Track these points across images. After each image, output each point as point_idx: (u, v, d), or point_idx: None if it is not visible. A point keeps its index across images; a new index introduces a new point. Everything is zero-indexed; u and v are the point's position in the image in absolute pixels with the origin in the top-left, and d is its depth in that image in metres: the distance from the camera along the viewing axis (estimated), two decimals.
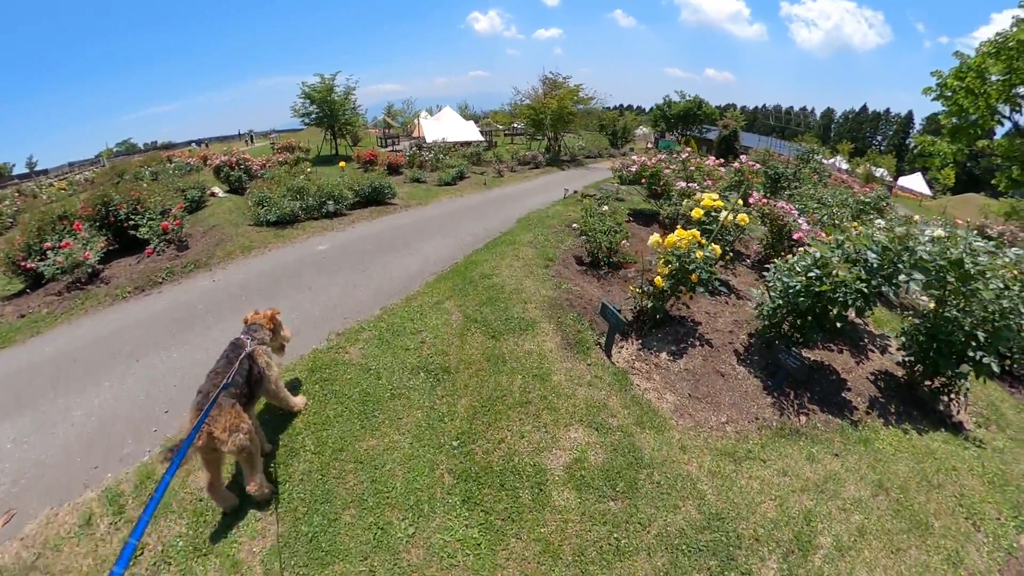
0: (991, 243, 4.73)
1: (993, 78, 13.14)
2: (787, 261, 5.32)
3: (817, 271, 4.73)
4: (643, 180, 11.20)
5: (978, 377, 4.63)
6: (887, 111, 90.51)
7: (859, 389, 5.51)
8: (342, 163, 13.29)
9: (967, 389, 5.14)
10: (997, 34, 12.73)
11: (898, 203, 27.22)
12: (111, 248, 8.98)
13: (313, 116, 26.38)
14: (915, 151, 18.54)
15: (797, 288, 4.80)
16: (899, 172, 59.28)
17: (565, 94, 27.53)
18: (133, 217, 9.22)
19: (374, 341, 5.65)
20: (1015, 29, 12.37)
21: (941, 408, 5.45)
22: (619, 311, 5.18)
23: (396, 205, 12.80)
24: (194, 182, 12.51)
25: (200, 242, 9.51)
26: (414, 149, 22.64)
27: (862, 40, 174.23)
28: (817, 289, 4.61)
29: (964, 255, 4.40)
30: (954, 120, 14.90)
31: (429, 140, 27.71)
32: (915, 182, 52.58)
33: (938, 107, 14.99)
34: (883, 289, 4.47)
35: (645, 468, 4.04)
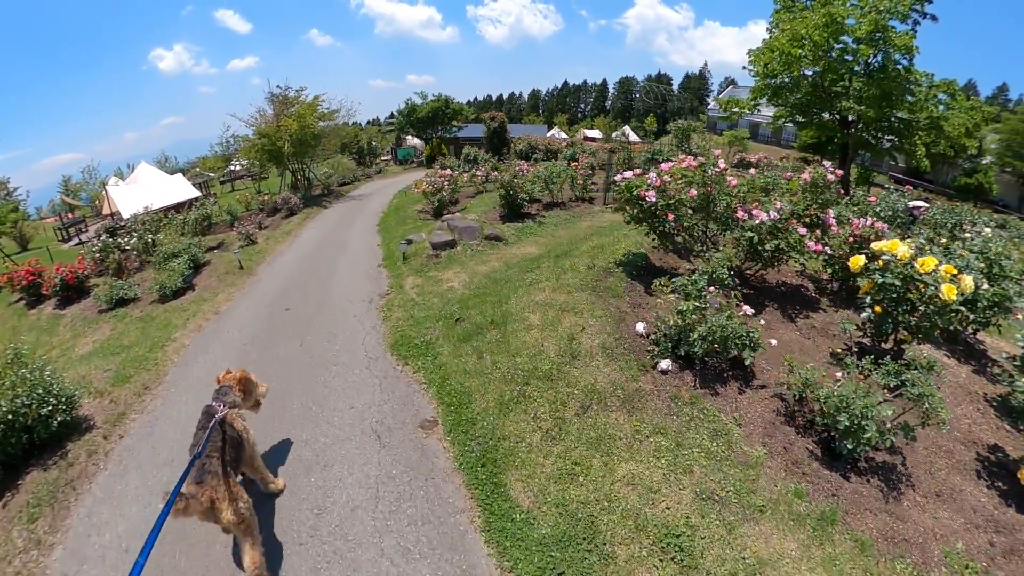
0: None
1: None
2: None
3: None
4: (656, 213, 6.32)
5: None
6: (584, 82, 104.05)
7: None
8: None
9: None
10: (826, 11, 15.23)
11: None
12: None
13: None
14: (722, 107, 20.39)
15: None
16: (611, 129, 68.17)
17: (304, 110, 20.59)
18: None
19: None
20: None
21: None
22: None
23: (93, 426, 5.09)
24: None
25: None
26: (104, 238, 13.25)
27: (540, 30, 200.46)
28: None
29: None
30: (772, 80, 17.33)
31: (127, 215, 18.03)
32: (621, 134, 60.03)
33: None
34: None
35: None
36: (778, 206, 6.46)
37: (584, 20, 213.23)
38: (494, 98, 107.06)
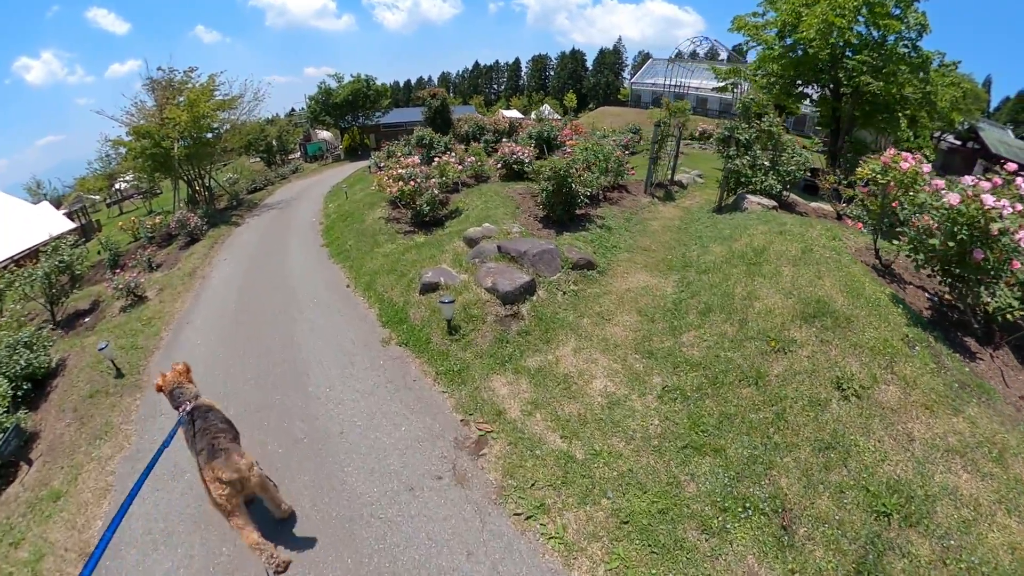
0: None
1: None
2: None
3: None
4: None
5: None
6: (496, 62, 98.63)
7: None
8: None
9: None
10: None
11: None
12: None
13: None
14: (720, 77, 19.83)
15: None
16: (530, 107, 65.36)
17: (197, 96, 14.80)
18: None
19: None
20: None
21: None
22: None
23: None
24: None
25: None
26: None
27: (440, 13, 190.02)
28: None
29: None
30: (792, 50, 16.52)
31: None
32: (545, 111, 57.23)
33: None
34: None
35: None
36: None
37: (483, 1, 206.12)
38: (402, 84, 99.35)
